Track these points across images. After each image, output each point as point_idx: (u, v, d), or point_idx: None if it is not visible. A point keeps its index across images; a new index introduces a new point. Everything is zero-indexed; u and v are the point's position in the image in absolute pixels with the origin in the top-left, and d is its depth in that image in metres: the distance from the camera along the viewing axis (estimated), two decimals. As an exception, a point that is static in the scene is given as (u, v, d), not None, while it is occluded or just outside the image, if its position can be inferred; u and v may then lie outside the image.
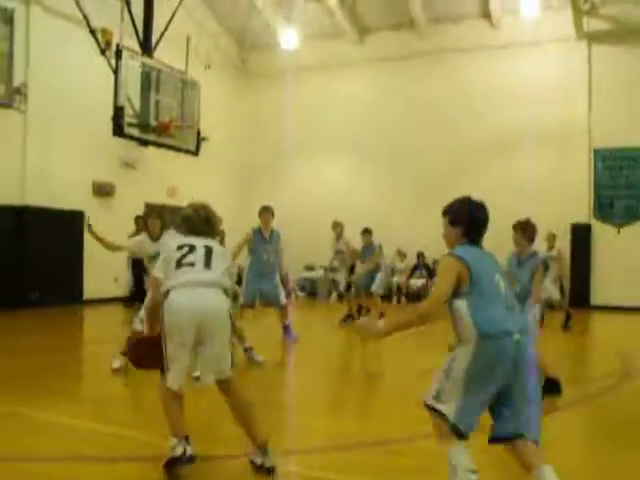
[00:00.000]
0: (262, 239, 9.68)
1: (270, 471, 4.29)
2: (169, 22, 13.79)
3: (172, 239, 4.99)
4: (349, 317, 12.83)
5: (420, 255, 18.61)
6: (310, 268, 19.83)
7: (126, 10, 12.59)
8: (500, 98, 17.89)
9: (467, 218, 3.82)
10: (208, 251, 4.54)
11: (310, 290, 19.82)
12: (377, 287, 13.01)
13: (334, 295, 19.02)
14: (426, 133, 18.70)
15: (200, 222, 4.72)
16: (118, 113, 11.53)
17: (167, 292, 4.35)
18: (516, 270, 7.09)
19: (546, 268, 7.31)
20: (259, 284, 9.62)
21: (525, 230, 6.98)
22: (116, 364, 7.56)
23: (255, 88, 21.32)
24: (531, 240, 7.04)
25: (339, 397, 7.02)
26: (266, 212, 9.77)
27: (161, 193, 17.63)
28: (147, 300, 4.79)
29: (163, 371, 4.37)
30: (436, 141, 18.58)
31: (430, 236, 17.86)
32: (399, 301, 18.49)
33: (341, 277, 13.64)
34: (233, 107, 20.81)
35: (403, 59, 19.14)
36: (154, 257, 7.25)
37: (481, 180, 17.91)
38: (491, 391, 3.55)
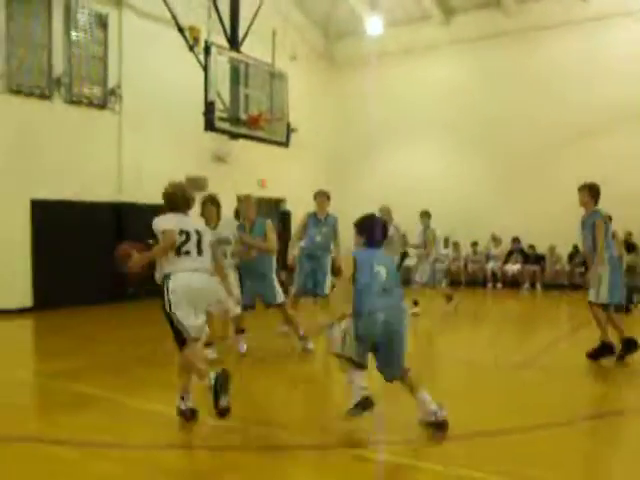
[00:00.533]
0: (316, 221, 9.71)
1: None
2: (254, 16, 13.90)
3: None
4: None
5: (515, 240, 18.12)
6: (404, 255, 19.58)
7: (213, 7, 12.80)
8: (593, 74, 17.16)
9: (367, 233, 5.34)
10: (199, 237, 5.45)
11: (404, 277, 19.61)
12: (420, 277, 12.80)
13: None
14: (517, 114, 18.12)
15: (185, 201, 5.58)
16: (209, 108, 11.67)
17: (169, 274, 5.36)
18: (581, 232, 7.82)
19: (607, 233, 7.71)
20: (308, 276, 9.57)
21: (590, 189, 7.68)
22: (243, 348, 8.08)
23: (341, 77, 21.29)
24: (595, 200, 7.67)
25: (456, 385, 6.87)
26: (321, 196, 9.89)
27: (252, 185, 17.84)
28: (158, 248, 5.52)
29: (182, 343, 5.28)
30: (527, 122, 17.99)
31: (526, 220, 17.59)
32: (494, 287, 18.09)
33: None
34: (320, 97, 20.81)
35: (490, 39, 18.59)
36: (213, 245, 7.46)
37: (578, 159, 17.27)
38: (369, 343, 5.05)
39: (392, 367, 5.08)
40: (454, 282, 18.61)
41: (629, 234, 15.36)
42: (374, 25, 18.91)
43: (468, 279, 18.70)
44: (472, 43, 18.92)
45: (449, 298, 13.04)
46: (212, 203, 7.99)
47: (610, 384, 7.08)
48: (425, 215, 12.93)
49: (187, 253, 5.35)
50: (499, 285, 18.15)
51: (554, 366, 7.74)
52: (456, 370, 7.70)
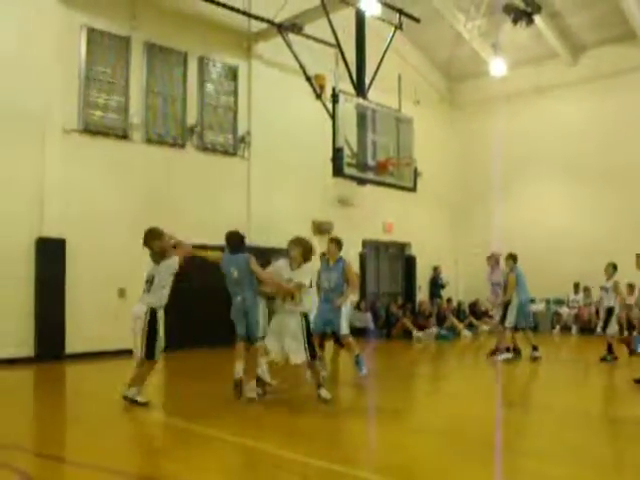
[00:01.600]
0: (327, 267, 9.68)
1: None
2: (380, 62, 14.06)
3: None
4: (495, 351, 12.28)
5: (653, 286, 17.11)
6: (531, 300, 19.02)
7: (340, 56, 13.06)
8: None
9: (228, 243, 8.09)
10: (150, 279, 7.56)
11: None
12: (509, 322, 12.16)
13: (557, 328, 18.17)
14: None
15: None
16: (337, 155, 11.85)
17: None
18: None
19: None
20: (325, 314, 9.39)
21: None
22: (252, 394, 7.71)
23: (464, 119, 21.12)
24: None
25: (574, 442, 6.32)
26: (329, 242, 9.91)
27: (377, 229, 17.90)
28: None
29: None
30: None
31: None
32: (630, 335, 17.09)
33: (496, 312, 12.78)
34: (442, 140, 20.71)
35: (623, 74, 17.86)
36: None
37: None
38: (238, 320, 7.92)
39: (251, 331, 7.67)
40: (584, 329, 17.80)
41: None
42: (498, 67, 18.56)
43: (600, 326, 17.81)
44: (603, 80, 18.22)
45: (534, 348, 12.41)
46: (299, 245, 7.96)
47: None
48: (510, 258, 12.40)
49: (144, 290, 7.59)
50: (635, 333, 17.13)
51: None
52: (599, 426, 7.23)
